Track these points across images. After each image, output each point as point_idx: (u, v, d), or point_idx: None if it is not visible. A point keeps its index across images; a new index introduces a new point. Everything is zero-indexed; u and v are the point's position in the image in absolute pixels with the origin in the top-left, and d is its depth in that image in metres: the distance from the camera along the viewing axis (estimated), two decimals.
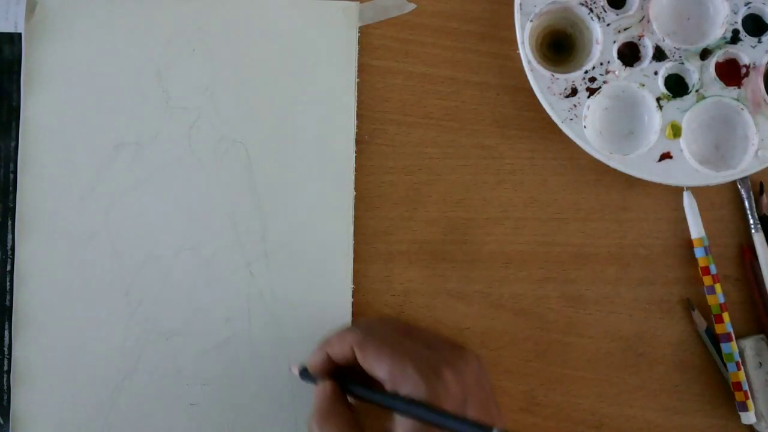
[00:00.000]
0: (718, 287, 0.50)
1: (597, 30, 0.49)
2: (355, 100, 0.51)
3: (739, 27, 0.49)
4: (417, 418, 0.39)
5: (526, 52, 0.49)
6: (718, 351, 0.50)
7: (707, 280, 0.50)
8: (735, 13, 0.49)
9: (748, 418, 0.49)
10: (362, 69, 0.51)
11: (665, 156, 0.49)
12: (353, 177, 0.50)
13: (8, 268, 0.48)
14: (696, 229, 0.50)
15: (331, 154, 0.50)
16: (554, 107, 0.49)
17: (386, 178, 0.51)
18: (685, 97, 0.49)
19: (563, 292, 0.51)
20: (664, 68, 0.49)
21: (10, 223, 0.48)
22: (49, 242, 0.48)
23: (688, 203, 0.51)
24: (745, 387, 0.49)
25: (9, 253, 0.48)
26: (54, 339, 0.48)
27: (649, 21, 0.49)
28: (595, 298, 0.51)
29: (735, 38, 0.49)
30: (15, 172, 0.49)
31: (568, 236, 0.51)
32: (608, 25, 0.49)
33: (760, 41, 0.49)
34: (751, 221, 0.51)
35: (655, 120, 0.49)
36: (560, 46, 0.52)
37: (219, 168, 0.50)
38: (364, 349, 0.41)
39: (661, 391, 0.51)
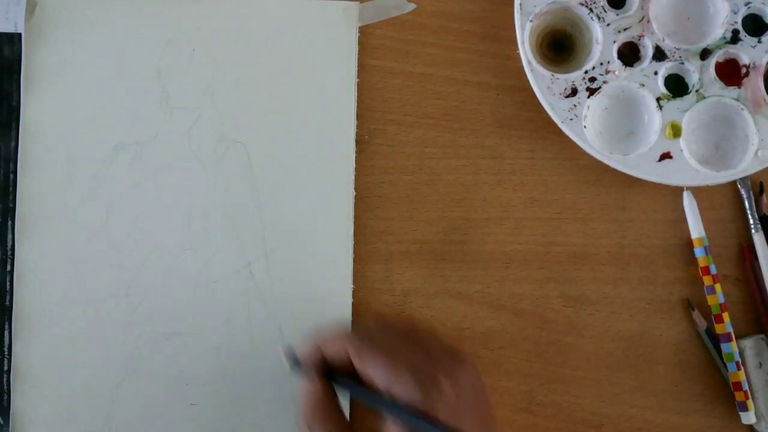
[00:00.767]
0: (718, 287, 0.50)
1: (597, 30, 0.49)
2: (355, 100, 0.51)
3: (739, 27, 0.49)
4: (408, 424, 0.39)
5: (526, 52, 0.49)
6: (718, 351, 0.50)
7: (707, 280, 0.50)
8: (735, 13, 0.49)
9: (748, 418, 0.49)
10: (362, 69, 0.51)
11: (665, 156, 0.49)
12: (353, 177, 0.50)
13: (8, 268, 0.48)
14: (696, 229, 0.50)
15: (331, 154, 0.50)
16: (554, 107, 0.49)
17: (386, 178, 0.51)
18: (685, 97, 0.49)
19: (563, 292, 0.51)
20: (664, 68, 0.49)
21: (10, 223, 0.48)
22: (49, 242, 0.48)
23: (688, 203, 0.51)
24: (745, 387, 0.49)
25: (9, 253, 0.48)
26: (54, 339, 0.48)
27: (649, 21, 0.49)
28: (595, 298, 0.51)
29: (735, 38, 0.49)
30: (15, 172, 0.49)
31: (568, 236, 0.51)
32: (608, 25, 0.49)
33: (760, 41, 0.49)
34: (751, 221, 0.51)
35: (655, 120, 0.49)
36: (560, 46, 0.52)
37: (219, 168, 0.50)
38: (362, 355, 0.41)
39: (661, 391, 0.51)
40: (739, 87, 0.49)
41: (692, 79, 0.50)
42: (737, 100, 0.49)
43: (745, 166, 0.49)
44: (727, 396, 0.50)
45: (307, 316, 0.46)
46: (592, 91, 0.49)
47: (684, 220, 0.51)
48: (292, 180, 0.50)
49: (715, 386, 0.51)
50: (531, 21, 0.49)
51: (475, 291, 0.51)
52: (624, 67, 0.49)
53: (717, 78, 0.49)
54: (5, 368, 0.47)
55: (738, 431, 0.50)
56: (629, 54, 0.50)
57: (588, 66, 0.49)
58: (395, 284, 0.50)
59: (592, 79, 0.49)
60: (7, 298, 0.48)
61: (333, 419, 0.42)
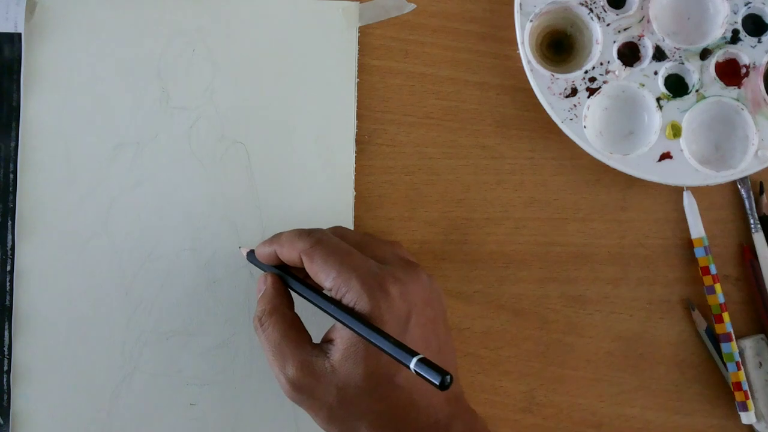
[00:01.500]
0: (718, 287, 0.50)
1: (597, 30, 0.49)
2: (355, 101, 0.51)
3: (739, 27, 0.49)
4: (350, 328, 0.39)
5: (526, 52, 0.49)
6: (718, 351, 0.50)
7: (707, 280, 0.50)
8: (735, 13, 0.49)
9: (748, 418, 0.49)
10: (362, 69, 0.51)
11: (665, 156, 0.49)
12: (353, 177, 0.50)
13: (8, 268, 0.48)
14: (696, 229, 0.50)
15: (331, 154, 0.50)
16: (554, 107, 0.49)
17: (386, 178, 0.51)
18: (685, 97, 0.49)
19: (563, 292, 0.51)
20: (664, 68, 0.49)
21: (10, 223, 0.48)
22: (49, 242, 0.48)
23: (688, 203, 0.51)
24: (745, 387, 0.49)
25: (9, 253, 0.48)
26: (54, 339, 0.48)
27: (649, 21, 0.49)
28: (595, 298, 0.51)
29: (735, 38, 0.49)
30: (15, 172, 0.49)
31: (568, 236, 0.51)
32: (608, 25, 0.49)
33: (760, 41, 0.49)
34: (751, 221, 0.51)
35: (655, 120, 0.49)
36: (560, 46, 0.52)
37: (219, 168, 0.50)
38: (312, 258, 0.41)
39: (661, 391, 0.51)
40: (739, 87, 0.49)
41: (692, 79, 0.50)
42: (737, 100, 0.49)
43: (745, 166, 0.49)
44: (727, 396, 0.50)
45: (307, 316, 0.46)
46: (592, 91, 0.49)
47: (684, 220, 0.51)
48: (291, 180, 0.50)
49: (715, 386, 0.51)
50: (531, 21, 0.49)
51: (475, 291, 0.51)
52: (624, 67, 0.49)
53: (717, 78, 0.49)
54: (5, 368, 0.47)
55: (738, 431, 0.50)
56: (629, 54, 0.50)
57: (588, 66, 0.49)
58: None
59: (592, 79, 0.49)
60: (7, 298, 0.48)
61: (286, 317, 0.42)
